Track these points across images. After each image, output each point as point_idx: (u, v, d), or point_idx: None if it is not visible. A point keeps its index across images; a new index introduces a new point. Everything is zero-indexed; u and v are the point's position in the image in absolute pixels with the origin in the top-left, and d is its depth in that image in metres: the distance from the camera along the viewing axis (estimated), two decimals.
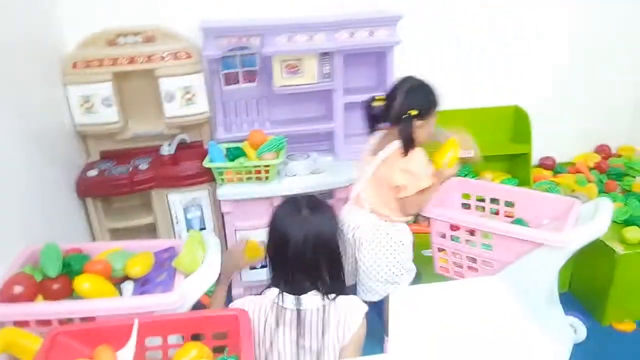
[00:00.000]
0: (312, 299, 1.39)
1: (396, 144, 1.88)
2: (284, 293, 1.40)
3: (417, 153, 1.88)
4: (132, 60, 2.34)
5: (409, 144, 1.85)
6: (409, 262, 2.05)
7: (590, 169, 2.99)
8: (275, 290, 1.42)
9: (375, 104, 1.96)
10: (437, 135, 2.00)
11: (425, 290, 1.13)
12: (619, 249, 2.28)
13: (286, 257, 1.39)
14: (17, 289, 1.46)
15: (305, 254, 1.38)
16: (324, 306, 1.39)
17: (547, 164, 3.03)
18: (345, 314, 1.39)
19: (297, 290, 1.40)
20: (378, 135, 2.01)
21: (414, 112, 1.82)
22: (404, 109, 1.83)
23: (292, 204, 1.46)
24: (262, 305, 1.41)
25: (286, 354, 1.39)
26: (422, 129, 1.87)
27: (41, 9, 2.24)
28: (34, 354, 1.24)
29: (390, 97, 1.89)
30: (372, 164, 1.94)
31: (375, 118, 1.99)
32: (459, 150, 1.95)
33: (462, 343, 1.01)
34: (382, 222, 1.97)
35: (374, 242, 1.96)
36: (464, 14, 2.72)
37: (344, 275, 1.50)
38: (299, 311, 1.38)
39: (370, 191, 1.97)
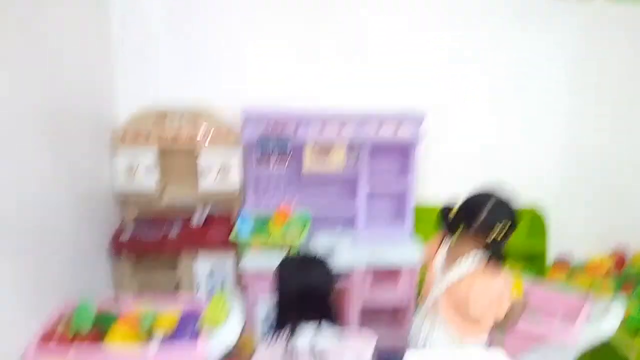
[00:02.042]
0: (322, 336, 1.53)
1: (475, 259, 1.72)
2: (295, 335, 1.53)
3: (502, 278, 1.71)
4: (175, 137, 2.56)
5: (499, 259, 1.70)
6: None
7: (606, 272, 3.02)
8: (286, 335, 1.54)
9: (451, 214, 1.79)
10: None
11: (439, 355, 1.19)
12: (631, 354, 2.27)
13: (297, 305, 1.56)
14: (52, 343, 1.56)
15: (310, 301, 1.56)
16: (331, 342, 1.53)
17: (562, 265, 3.08)
18: (358, 348, 1.55)
19: (303, 327, 1.55)
20: (446, 243, 1.85)
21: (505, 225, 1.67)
22: (493, 223, 1.67)
23: (292, 262, 1.64)
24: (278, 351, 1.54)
25: None
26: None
27: (98, 84, 2.48)
28: None
29: (472, 207, 1.73)
30: (448, 278, 1.75)
31: (450, 227, 1.81)
32: None
33: None
34: (456, 339, 1.76)
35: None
36: (485, 113, 2.93)
37: (337, 318, 1.63)
38: (312, 348, 1.52)
39: (446, 305, 1.76)
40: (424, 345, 1.79)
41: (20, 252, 1.62)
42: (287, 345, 1.52)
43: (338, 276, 1.69)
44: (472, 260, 1.71)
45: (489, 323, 1.69)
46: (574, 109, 3.01)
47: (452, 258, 1.77)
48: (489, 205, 1.69)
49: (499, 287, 1.67)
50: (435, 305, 1.77)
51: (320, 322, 1.55)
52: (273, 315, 1.63)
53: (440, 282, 1.76)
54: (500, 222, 1.66)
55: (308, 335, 1.52)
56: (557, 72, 2.94)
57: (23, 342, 1.57)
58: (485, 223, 1.67)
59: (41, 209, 1.80)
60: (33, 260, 1.70)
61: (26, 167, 1.71)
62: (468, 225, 1.71)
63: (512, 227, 1.68)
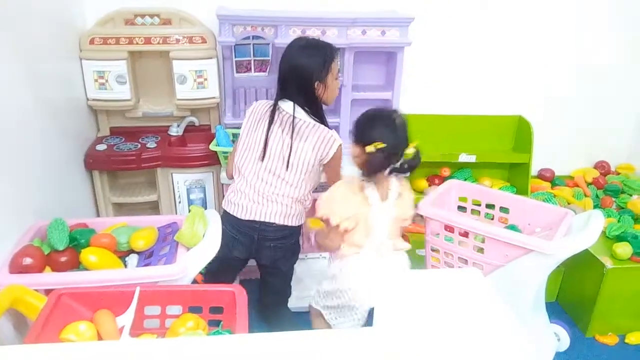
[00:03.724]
0: (299, 111, 1.85)
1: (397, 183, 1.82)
2: (284, 100, 1.87)
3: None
4: (147, 41, 2.41)
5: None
6: None
7: (588, 184, 3.05)
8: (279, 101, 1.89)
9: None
10: None
11: (411, 276, 1.19)
12: (608, 263, 2.32)
13: (285, 77, 1.87)
14: (27, 261, 1.52)
15: (292, 79, 1.85)
16: (306, 122, 1.85)
17: (546, 176, 3.08)
18: (324, 138, 1.84)
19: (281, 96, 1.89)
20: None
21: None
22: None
23: (296, 43, 1.89)
24: (267, 105, 1.91)
25: (275, 141, 1.85)
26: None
27: None
28: (38, 312, 1.30)
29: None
30: (390, 208, 1.80)
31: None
32: None
33: (442, 331, 1.06)
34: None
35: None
36: (473, 21, 2.78)
37: (321, 111, 1.93)
38: (274, 107, 1.87)
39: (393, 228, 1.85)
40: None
41: None
42: (274, 105, 1.86)
43: (328, 67, 1.87)
44: (394, 184, 1.81)
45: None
46: (567, 24, 2.86)
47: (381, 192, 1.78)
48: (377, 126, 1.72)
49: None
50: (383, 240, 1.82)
51: (304, 105, 1.86)
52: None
53: (381, 217, 1.78)
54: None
55: (290, 106, 1.85)
56: None
57: None
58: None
59: (9, 120, 1.70)
60: (4, 177, 1.63)
61: None
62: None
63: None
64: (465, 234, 2.03)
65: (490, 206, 2.29)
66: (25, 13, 1.86)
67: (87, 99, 2.44)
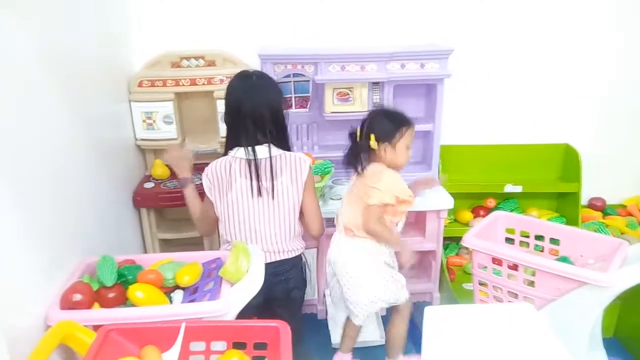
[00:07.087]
0: (263, 150, 1.82)
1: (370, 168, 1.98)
2: (245, 148, 1.82)
3: (388, 173, 1.94)
4: (193, 82, 2.49)
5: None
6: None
7: None
8: (235, 149, 1.85)
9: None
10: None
11: (461, 311, 1.15)
12: None
13: (243, 117, 1.80)
14: (77, 297, 1.56)
15: (257, 111, 1.80)
16: (273, 157, 1.83)
17: (597, 205, 2.97)
18: (295, 164, 1.87)
19: (252, 143, 1.82)
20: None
21: (372, 137, 1.93)
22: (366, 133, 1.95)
23: (244, 75, 1.88)
24: (225, 161, 1.85)
25: (244, 194, 1.84)
26: (387, 153, 1.94)
27: (114, 32, 2.40)
28: (87, 347, 1.32)
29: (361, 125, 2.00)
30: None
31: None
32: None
33: None
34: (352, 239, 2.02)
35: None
36: (514, 49, 2.75)
37: (287, 136, 1.95)
38: (255, 160, 1.81)
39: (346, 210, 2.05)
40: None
41: (42, 206, 1.59)
42: (251, 153, 1.81)
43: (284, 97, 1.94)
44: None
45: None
46: (616, 49, 2.79)
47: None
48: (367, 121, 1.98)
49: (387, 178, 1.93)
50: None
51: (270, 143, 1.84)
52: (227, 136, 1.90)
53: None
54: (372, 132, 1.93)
55: (264, 148, 1.82)
56: (603, 11, 2.72)
57: (46, 297, 1.57)
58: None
59: (61, 159, 1.77)
60: (56, 215, 1.68)
61: (43, 118, 1.65)
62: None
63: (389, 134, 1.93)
64: (515, 267, 1.97)
65: (539, 237, 2.22)
66: (77, 58, 1.94)
67: (136, 139, 2.54)
